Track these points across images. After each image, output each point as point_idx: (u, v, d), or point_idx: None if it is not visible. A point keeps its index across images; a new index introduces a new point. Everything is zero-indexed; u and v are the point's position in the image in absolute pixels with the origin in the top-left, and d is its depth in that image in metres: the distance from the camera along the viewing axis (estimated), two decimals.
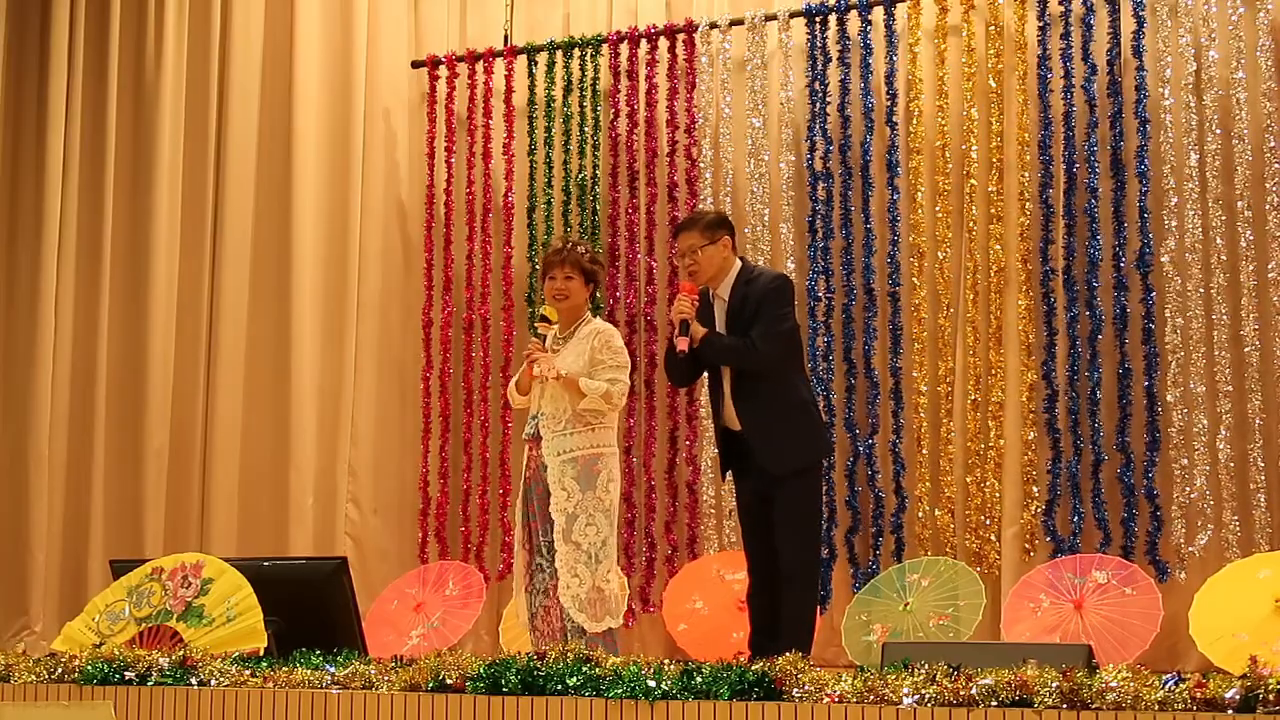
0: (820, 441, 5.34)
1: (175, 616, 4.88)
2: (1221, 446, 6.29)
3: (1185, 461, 6.36)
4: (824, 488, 6.80)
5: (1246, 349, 6.31)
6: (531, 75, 7.78)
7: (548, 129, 7.71)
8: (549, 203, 7.65)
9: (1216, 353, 6.36)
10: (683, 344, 5.13)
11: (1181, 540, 6.32)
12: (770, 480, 5.07)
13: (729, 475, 5.39)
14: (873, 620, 6.19)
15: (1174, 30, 6.61)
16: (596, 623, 4.98)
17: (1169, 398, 6.41)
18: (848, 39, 7.13)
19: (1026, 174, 6.75)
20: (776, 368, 5.13)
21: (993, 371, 6.72)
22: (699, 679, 3.71)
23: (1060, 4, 6.79)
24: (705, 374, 5.37)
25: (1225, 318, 6.37)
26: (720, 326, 5.19)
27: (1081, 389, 6.56)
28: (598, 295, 5.49)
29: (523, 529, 5.22)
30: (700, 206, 7.29)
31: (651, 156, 7.47)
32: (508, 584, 7.34)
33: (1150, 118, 6.58)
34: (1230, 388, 6.32)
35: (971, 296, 6.80)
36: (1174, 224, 6.48)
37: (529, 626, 5.18)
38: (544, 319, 5.23)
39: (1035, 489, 6.57)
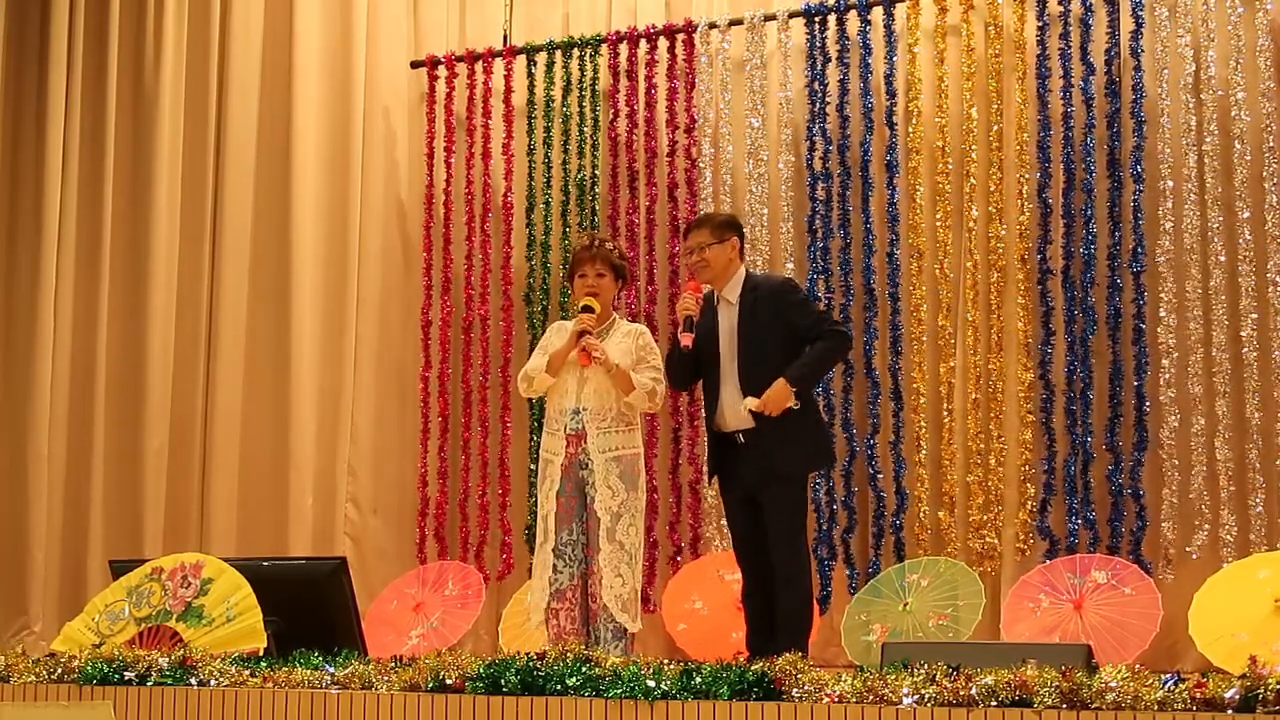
0: (829, 444, 5.43)
1: (175, 616, 4.88)
2: (1220, 447, 6.30)
3: (1177, 461, 6.37)
4: (824, 487, 6.85)
5: (1245, 349, 6.32)
6: (531, 75, 7.78)
7: (547, 129, 7.71)
8: (548, 203, 7.65)
9: (1214, 353, 6.36)
10: (687, 339, 5.14)
11: (1172, 541, 6.31)
12: (763, 481, 5.08)
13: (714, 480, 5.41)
14: (872, 620, 6.19)
15: (1173, 30, 6.62)
16: (634, 622, 5.05)
17: (1162, 399, 6.41)
18: (847, 39, 7.13)
19: (1025, 174, 6.76)
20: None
21: (992, 371, 6.72)
22: (698, 679, 3.72)
23: (1059, 4, 6.79)
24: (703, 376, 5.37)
25: (1225, 318, 6.37)
26: (729, 331, 5.18)
27: (1077, 389, 6.56)
28: (622, 294, 5.49)
29: (545, 525, 5.20)
30: (700, 206, 7.30)
31: (651, 156, 7.47)
32: (507, 584, 7.36)
33: (1149, 118, 6.59)
34: (1228, 388, 6.32)
35: (971, 296, 6.80)
36: (1172, 224, 6.49)
37: (544, 625, 5.18)
38: (587, 309, 5.19)
39: (1032, 488, 6.58)
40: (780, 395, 5.01)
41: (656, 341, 5.44)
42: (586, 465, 5.13)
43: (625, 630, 5.02)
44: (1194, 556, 6.27)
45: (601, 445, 5.10)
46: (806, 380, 5.09)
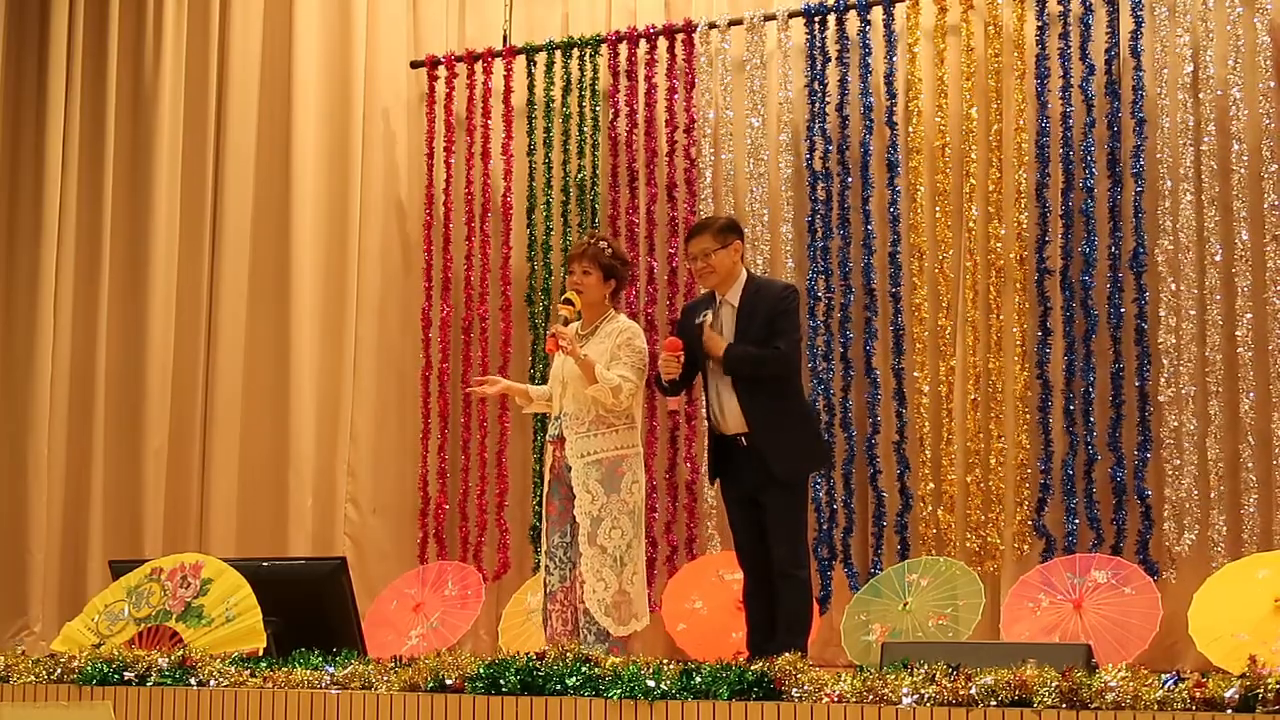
0: (826, 450, 5.42)
1: (175, 617, 4.88)
2: (1211, 445, 6.30)
3: (1178, 461, 6.36)
4: (824, 487, 6.85)
5: (1240, 349, 6.32)
6: (530, 75, 7.78)
7: (547, 129, 7.71)
8: (548, 203, 7.65)
9: (1209, 353, 6.36)
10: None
11: (1173, 540, 6.32)
12: (765, 481, 5.10)
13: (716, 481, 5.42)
14: (872, 620, 6.19)
15: (1172, 30, 6.62)
16: (622, 626, 4.99)
17: (1161, 398, 6.41)
18: (846, 39, 7.13)
19: (1024, 173, 6.76)
20: (790, 374, 5.20)
21: (992, 370, 6.72)
22: (698, 679, 3.72)
23: (1059, 4, 6.79)
24: (701, 378, 5.39)
25: (1219, 318, 6.37)
26: (729, 333, 5.21)
27: (1077, 389, 6.56)
28: (620, 294, 5.47)
29: (543, 529, 5.24)
30: (700, 206, 7.30)
31: (651, 156, 7.47)
32: (507, 584, 7.36)
33: (1148, 118, 6.59)
34: (1222, 388, 6.33)
35: (971, 296, 6.80)
36: (1170, 224, 6.49)
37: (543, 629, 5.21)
38: (567, 301, 5.23)
39: (1031, 489, 6.58)
40: (714, 347, 5.10)
41: (654, 343, 5.45)
42: (569, 469, 5.14)
43: (608, 634, 4.97)
44: (1186, 555, 6.27)
45: (579, 450, 5.10)
46: (733, 362, 5.09)
